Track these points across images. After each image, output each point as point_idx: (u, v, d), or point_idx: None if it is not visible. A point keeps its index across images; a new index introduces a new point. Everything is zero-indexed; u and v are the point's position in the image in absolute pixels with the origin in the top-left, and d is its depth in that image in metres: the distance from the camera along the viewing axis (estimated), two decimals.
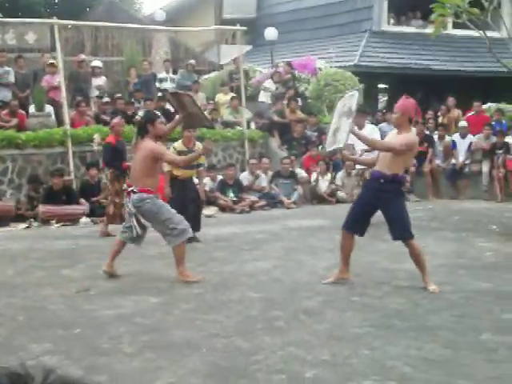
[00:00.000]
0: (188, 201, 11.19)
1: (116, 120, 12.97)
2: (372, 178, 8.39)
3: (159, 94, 18.75)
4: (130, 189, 8.71)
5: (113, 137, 12.51)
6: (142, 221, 8.71)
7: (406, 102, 8.18)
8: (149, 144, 8.58)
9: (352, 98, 8.21)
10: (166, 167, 11.18)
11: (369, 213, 8.28)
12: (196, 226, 10.95)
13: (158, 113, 9.56)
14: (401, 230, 8.09)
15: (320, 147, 13.51)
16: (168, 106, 17.97)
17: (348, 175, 16.74)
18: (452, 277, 8.79)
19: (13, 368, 1.25)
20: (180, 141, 11.57)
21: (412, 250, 8.12)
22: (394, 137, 8.21)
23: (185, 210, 10.37)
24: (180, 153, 10.95)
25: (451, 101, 19.82)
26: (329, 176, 16.93)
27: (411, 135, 8.25)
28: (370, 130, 16.02)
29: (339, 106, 8.46)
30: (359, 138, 8.26)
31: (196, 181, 12.47)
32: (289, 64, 20.90)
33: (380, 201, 8.08)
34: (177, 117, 9.89)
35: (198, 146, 11.50)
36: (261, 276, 8.94)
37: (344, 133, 7.90)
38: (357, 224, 8.34)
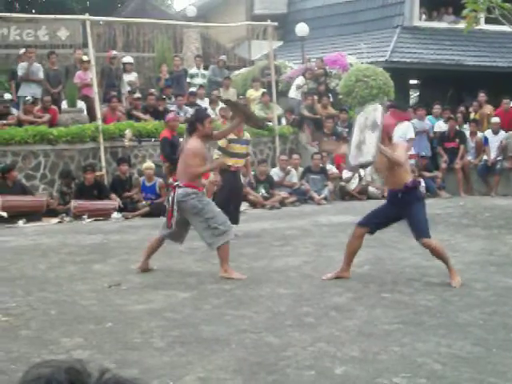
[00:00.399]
0: (233, 195, 11.38)
1: (171, 115, 13.45)
2: (390, 195, 8.46)
3: (190, 89, 18.83)
4: (176, 183, 8.68)
5: (168, 131, 12.96)
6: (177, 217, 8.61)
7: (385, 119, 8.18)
8: (192, 142, 8.62)
9: (376, 112, 8.15)
10: (215, 155, 11.46)
11: (389, 221, 8.41)
12: (235, 220, 11.05)
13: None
14: (415, 229, 8.20)
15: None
16: (199, 102, 18.05)
17: (377, 170, 16.68)
18: (483, 274, 8.74)
19: (71, 363, 1.28)
20: None
21: (431, 250, 8.20)
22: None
23: (227, 202, 10.79)
24: (230, 141, 11.27)
25: (481, 96, 19.64)
26: (361, 173, 16.85)
27: (401, 142, 8.33)
28: (406, 128, 15.98)
29: (360, 119, 8.36)
30: (384, 153, 8.14)
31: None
32: (321, 60, 20.87)
33: (402, 209, 8.19)
34: (234, 121, 9.95)
35: (247, 135, 11.79)
36: (291, 272, 8.95)
37: (371, 145, 7.83)
38: (376, 225, 8.47)
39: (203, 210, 8.49)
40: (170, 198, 8.65)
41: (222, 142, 11.37)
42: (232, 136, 11.33)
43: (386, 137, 8.09)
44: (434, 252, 8.20)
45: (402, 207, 8.15)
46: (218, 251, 8.61)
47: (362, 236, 8.45)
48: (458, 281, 8.13)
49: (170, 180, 11.54)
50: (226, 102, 10.70)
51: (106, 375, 1.26)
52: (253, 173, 16.01)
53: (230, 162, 11.34)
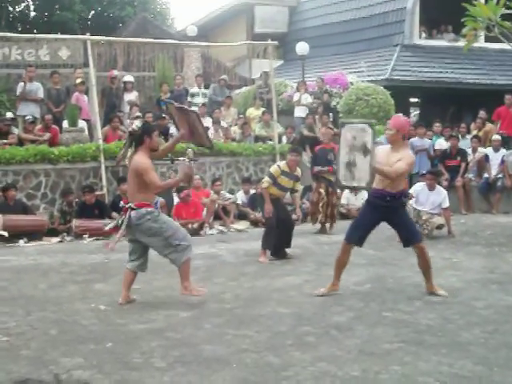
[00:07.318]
0: (280, 220, 11.36)
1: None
2: (376, 196, 8.40)
3: (192, 108, 18.88)
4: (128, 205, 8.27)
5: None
6: None
7: (400, 119, 8.43)
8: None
9: (365, 134, 8.10)
10: (265, 183, 11.43)
11: (373, 227, 8.53)
12: (287, 243, 11.59)
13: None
14: (409, 234, 8.45)
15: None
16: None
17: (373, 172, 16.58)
18: (484, 292, 8.73)
19: (47, 380, 1.29)
20: (285, 162, 11.71)
21: (421, 253, 8.43)
22: (387, 154, 8.23)
23: (276, 227, 11.26)
24: (282, 172, 11.36)
25: (482, 114, 19.69)
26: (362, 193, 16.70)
27: (410, 153, 8.62)
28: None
29: (347, 135, 8.20)
30: (382, 172, 8.18)
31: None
32: (321, 79, 20.96)
33: (386, 214, 8.38)
34: (178, 134, 9.25)
35: (298, 171, 11.66)
36: (291, 291, 8.93)
37: (364, 172, 8.00)
38: (361, 238, 8.59)
39: (161, 228, 8.15)
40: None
41: (274, 170, 11.47)
42: (285, 168, 11.41)
43: (401, 137, 8.31)
44: (424, 258, 8.42)
45: (386, 212, 8.32)
46: (180, 268, 8.31)
47: (350, 251, 8.63)
48: (443, 292, 8.52)
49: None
50: (179, 108, 9.52)
51: None
52: (253, 191, 15.99)
53: (275, 192, 11.41)
